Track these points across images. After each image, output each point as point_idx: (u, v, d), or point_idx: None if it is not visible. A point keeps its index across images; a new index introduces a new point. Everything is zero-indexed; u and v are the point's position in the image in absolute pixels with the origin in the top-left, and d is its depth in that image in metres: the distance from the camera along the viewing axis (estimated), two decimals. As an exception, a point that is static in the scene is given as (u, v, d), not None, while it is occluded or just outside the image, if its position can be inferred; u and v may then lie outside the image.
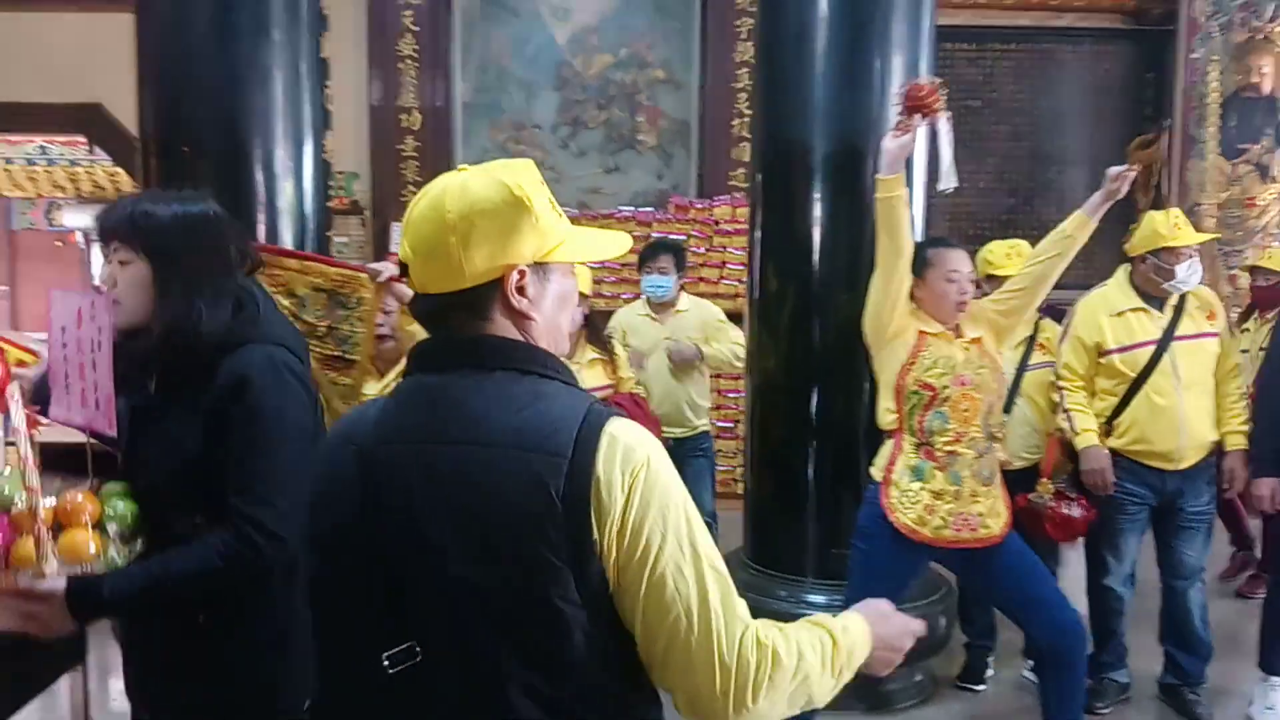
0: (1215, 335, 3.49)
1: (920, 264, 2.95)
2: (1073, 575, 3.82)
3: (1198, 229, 4.21)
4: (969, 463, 2.89)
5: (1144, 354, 3.42)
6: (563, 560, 1.12)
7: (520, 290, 1.21)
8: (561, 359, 1.26)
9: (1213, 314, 3.51)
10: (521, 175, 1.21)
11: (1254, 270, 5.12)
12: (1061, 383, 3.57)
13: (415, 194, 1.27)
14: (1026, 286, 3.03)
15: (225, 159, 3.44)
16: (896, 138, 2.88)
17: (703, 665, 1.14)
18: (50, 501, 1.61)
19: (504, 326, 1.22)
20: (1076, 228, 2.99)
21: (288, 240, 3.49)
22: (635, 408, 3.57)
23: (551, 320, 1.26)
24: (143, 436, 1.75)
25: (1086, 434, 3.47)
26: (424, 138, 6.76)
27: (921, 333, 2.91)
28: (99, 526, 1.64)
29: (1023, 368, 3.76)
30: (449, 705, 1.16)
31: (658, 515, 1.14)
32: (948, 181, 2.95)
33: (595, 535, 1.12)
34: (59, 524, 1.62)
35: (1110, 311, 3.48)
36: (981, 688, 3.81)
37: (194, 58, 3.40)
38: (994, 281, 3.72)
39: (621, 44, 6.90)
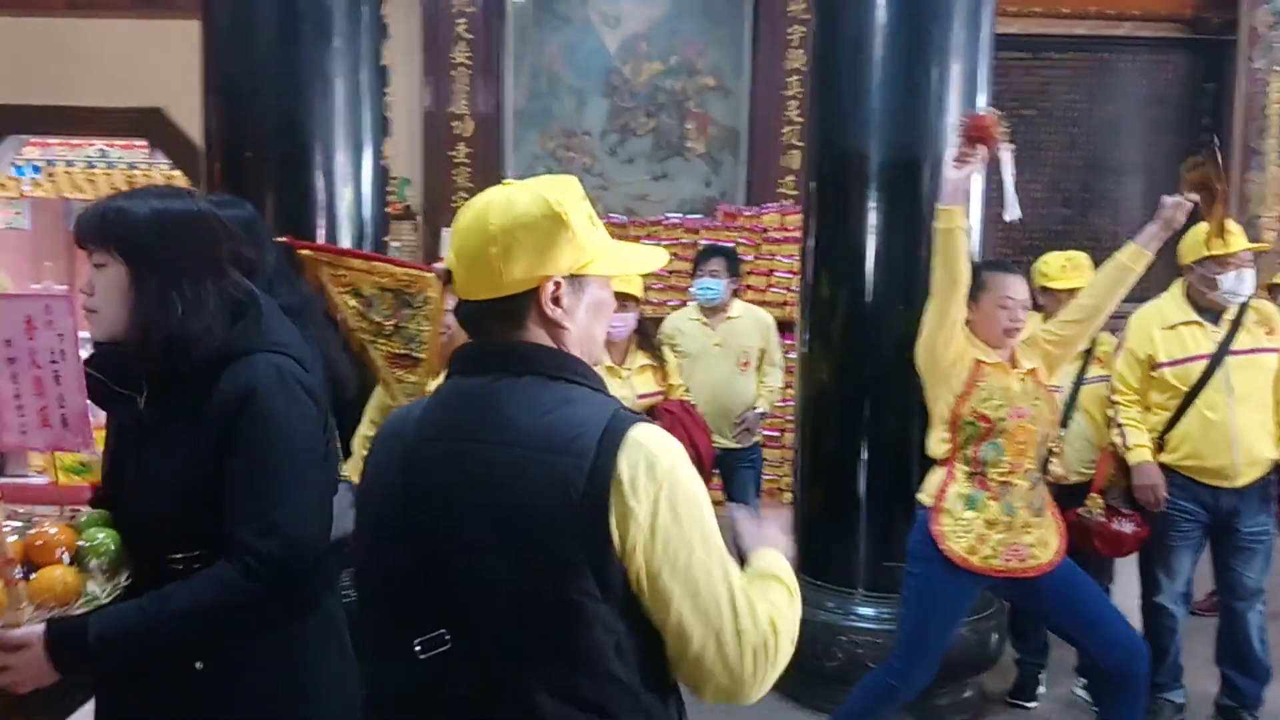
0: (1274, 351, 3.42)
1: (975, 286, 2.93)
2: (1125, 593, 3.77)
3: (1257, 242, 4.12)
4: (1022, 494, 2.88)
5: (1196, 368, 3.37)
6: (583, 559, 1.17)
7: (555, 300, 1.27)
8: (592, 366, 1.32)
9: (1272, 329, 3.44)
10: (563, 192, 1.28)
11: (1272, 288, 4.93)
12: (1115, 396, 3.52)
13: (466, 200, 1.34)
14: (1081, 320, 3.00)
15: (287, 164, 3.52)
16: (958, 168, 2.86)
17: (735, 660, 1.21)
18: (17, 537, 1.43)
19: (539, 334, 1.28)
20: (1131, 259, 2.94)
21: (346, 244, 3.54)
22: (686, 415, 3.58)
23: (585, 329, 1.31)
24: (131, 458, 1.57)
25: (1139, 449, 3.43)
26: (475, 144, 6.80)
27: (978, 362, 2.89)
28: (77, 561, 1.46)
29: (1079, 381, 3.71)
30: (473, 692, 1.22)
31: (687, 524, 1.20)
32: (1012, 213, 2.92)
33: (615, 536, 1.17)
34: (30, 562, 1.43)
35: (1163, 324, 3.44)
36: (1033, 704, 3.77)
37: (258, 65, 3.48)
38: (1048, 294, 3.68)
39: (671, 51, 6.93)
